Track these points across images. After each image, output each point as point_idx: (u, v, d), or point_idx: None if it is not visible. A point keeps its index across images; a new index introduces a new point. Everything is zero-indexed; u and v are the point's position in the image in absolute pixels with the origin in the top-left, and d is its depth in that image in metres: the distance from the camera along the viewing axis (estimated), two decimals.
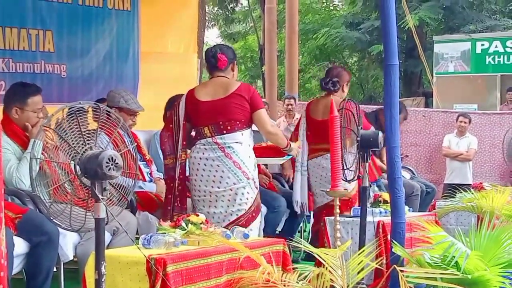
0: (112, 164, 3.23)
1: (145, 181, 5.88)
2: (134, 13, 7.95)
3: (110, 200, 3.44)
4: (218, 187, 5.27)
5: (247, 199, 5.31)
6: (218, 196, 5.28)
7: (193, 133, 5.47)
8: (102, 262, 3.30)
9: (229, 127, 5.27)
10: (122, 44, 7.88)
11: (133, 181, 3.60)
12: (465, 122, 11.02)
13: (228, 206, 5.28)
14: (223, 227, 4.96)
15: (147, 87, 7.97)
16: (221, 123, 5.27)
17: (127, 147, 3.54)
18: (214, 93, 5.33)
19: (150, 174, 6.01)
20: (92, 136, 3.37)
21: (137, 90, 7.87)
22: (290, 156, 6.23)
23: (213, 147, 5.27)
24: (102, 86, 7.50)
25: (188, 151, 5.45)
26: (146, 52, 8.12)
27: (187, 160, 5.43)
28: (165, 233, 4.04)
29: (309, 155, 6.66)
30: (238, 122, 5.28)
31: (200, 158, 5.29)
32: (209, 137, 5.30)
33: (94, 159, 3.23)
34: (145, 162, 6.01)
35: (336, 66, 6.90)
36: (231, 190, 5.26)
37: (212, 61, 5.37)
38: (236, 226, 4.70)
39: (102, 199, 3.26)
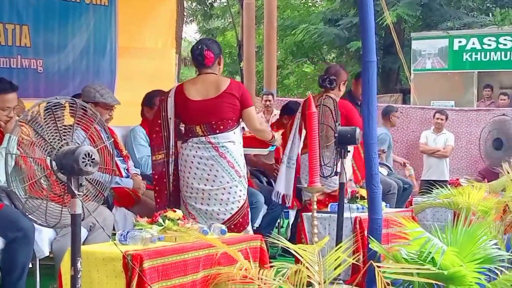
0: (88, 160, 3.21)
1: (122, 176, 5.86)
2: (112, 8, 7.91)
3: (87, 196, 3.43)
4: (212, 186, 5.30)
5: (240, 196, 5.36)
6: (211, 194, 5.31)
7: (181, 128, 5.49)
8: (78, 258, 3.28)
9: (221, 127, 5.30)
10: (100, 39, 7.84)
11: (110, 176, 3.58)
12: (441, 119, 11.09)
13: (221, 204, 5.32)
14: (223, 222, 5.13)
15: (124, 83, 7.93)
16: (213, 122, 5.29)
17: (104, 143, 3.52)
18: (205, 92, 5.33)
19: (127, 170, 5.98)
20: (69, 131, 3.36)
21: (114, 85, 7.84)
22: (274, 147, 6.27)
23: (207, 146, 5.29)
24: (79, 81, 7.46)
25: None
26: (124, 47, 8.09)
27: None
28: (142, 229, 4.03)
29: (302, 149, 6.67)
30: (230, 121, 5.32)
31: (194, 156, 5.30)
32: (202, 136, 5.32)
33: (71, 154, 3.21)
34: (122, 158, 5.99)
35: (335, 64, 6.96)
36: (224, 189, 5.30)
37: (199, 59, 5.36)
38: (213, 222, 4.70)
39: (78, 194, 3.24)
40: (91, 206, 3.47)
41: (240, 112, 5.35)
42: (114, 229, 5.24)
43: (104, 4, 7.84)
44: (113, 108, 5.91)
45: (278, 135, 5.91)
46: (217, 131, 5.29)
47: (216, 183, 5.29)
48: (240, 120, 5.42)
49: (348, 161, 6.17)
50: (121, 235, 3.95)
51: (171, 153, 5.39)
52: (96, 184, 3.49)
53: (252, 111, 5.42)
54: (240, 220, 5.36)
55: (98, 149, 3.37)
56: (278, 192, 6.27)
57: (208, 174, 5.28)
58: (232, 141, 5.32)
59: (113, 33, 7.93)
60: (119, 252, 3.65)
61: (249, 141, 6.14)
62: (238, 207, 5.35)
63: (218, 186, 5.29)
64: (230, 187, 5.30)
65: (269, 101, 11.41)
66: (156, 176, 5.43)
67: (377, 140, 9.53)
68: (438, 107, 12.62)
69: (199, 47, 5.36)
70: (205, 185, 5.30)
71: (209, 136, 5.29)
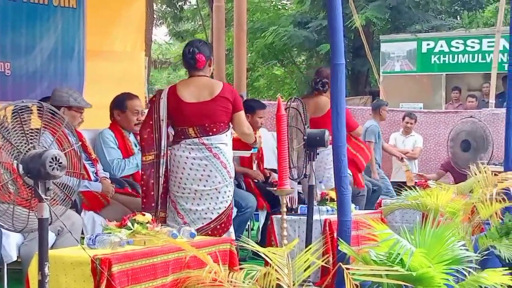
0: (55, 164, 3.19)
1: (91, 180, 5.82)
2: (80, 10, 7.86)
3: (54, 200, 3.40)
4: (204, 186, 5.37)
5: (228, 196, 5.47)
6: (202, 194, 5.39)
7: (171, 131, 5.55)
8: (45, 263, 3.26)
9: (214, 129, 5.39)
10: (68, 42, 7.78)
11: (78, 180, 3.55)
12: (411, 123, 11.20)
13: (210, 204, 5.40)
14: (205, 224, 5.31)
15: (93, 86, 7.87)
16: (207, 125, 5.38)
17: (72, 146, 3.50)
18: (199, 95, 5.40)
19: (96, 173, 5.95)
20: (36, 135, 3.33)
21: (83, 89, 7.78)
22: (256, 149, 6.34)
23: (200, 147, 5.37)
24: (47, 84, 7.40)
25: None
26: (92, 50, 8.04)
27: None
28: (110, 233, 4.00)
29: None
30: (222, 124, 5.42)
31: (187, 157, 5.36)
32: (195, 137, 5.40)
33: (37, 158, 3.19)
34: (90, 162, 5.94)
35: (325, 68, 7.14)
36: (216, 189, 5.39)
37: (191, 62, 5.43)
38: (183, 226, 4.69)
39: (45, 199, 3.22)
40: (59, 210, 3.45)
41: (232, 115, 5.44)
42: (82, 233, 5.20)
43: (72, 6, 7.79)
44: (83, 111, 5.91)
45: (259, 137, 5.99)
46: (210, 133, 5.38)
47: (209, 183, 5.37)
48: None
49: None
50: (90, 239, 3.93)
51: (162, 154, 5.42)
52: (64, 188, 3.47)
53: (242, 115, 5.54)
54: (225, 219, 5.45)
55: (66, 153, 3.35)
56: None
57: (202, 175, 5.36)
58: (224, 143, 5.42)
59: (81, 35, 7.88)
60: (87, 256, 3.63)
61: (232, 143, 6.18)
62: (225, 206, 5.44)
63: (211, 186, 5.38)
64: (222, 187, 5.40)
65: None
66: (144, 177, 5.46)
67: (366, 131, 9.76)
68: (407, 109, 12.71)
69: (191, 50, 5.42)
70: (198, 185, 5.38)
71: (202, 138, 5.37)
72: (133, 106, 6.41)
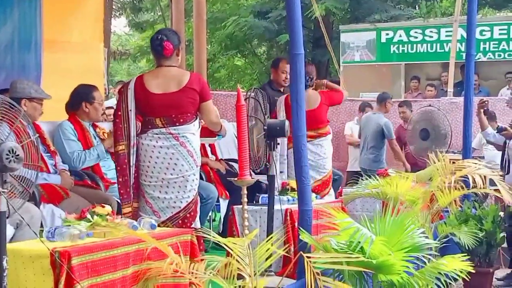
0: (12, 156, 3.16)
1: (50, 173, 5.77)
2: (37, 0, 7.75)
3: (12, 192, 3.36)
4: (171, 174, 5.41)
5: (196, 185, 5.53)
6: (170, 182, 5.43)
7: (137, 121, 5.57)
8: (3, 257, 3.23)
9: (181, 120, 5.41)
10: (25, 33, 7.66)
11: (36, 172, 3.52)
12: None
13: (178, 192, 5.44)
14: (175, 213, 5.36)
15: (51, 77, 7.77)
16: (173, 116, 5.41)
17: (30, 138, 3.46)
18: (166, 86, 5.43)
19: (55, 165, 5.89)
20: None
21: (40, 80, 7.68)
22: (221, 137, 6.37)
23: (167, 136, 5.41)
24: (4, 76, 7.29)
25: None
26: (50, 41, 7.94)
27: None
28: (70, 226, 3.97)
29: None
30: (189, 114, 5.44)
31: (154, 146, 5.41)
32: (162, 127, 5.43)
33: None
34: (49, 154, 5.88)
35: (308, 63, 7.38)
36: (183, 177, 5.42)
37: (159, 49, 5.46)
38: (143, 217, 4.67)
39: (2, 192, 3.18)
40: (17, 203, 3.42)
41: (199, 105, 5.45)
42: (42, 226, 5.14)
43: None
44: (43, 103, 5.88)
45: (224, 126, 6.01)
46: (177, 124, 5.41)
47: (176, 171, 5.40)
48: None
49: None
50: (49, 232, 3.89)
51: (132, 144, 5.46)
52: (21, 181, 3.43)
53: (210, 104, 5.56)
54: (193, 208, 5.50)
55: (23, 145, 3.31)
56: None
57: (169, 163, 5.40)
58: (192, 132, 5.45)
59: (38, 26, 7.77)
60: (46, 249, 3.59)
61: None
62: (193, 195, 5.49)
63: (178, 174, 5.41)
64: (189, 175, 5.42)
65: None
66: (118, 168, 5.49)
67: (386, 127, 10.11)
68: (367, 98, 12.78)
69: (159, 37, 5.46)
70: (165, 173, 5.43)
71: (169, 128, 5.41)
72: (99, 97, 6.48)
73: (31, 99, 5.74)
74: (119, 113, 5.48)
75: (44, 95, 5.89)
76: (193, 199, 5.49)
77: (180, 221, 5.40)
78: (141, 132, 5.49)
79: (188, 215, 5.45)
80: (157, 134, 5.41)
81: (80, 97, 6.41)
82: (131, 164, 5.46)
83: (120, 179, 5.47)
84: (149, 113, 5.44)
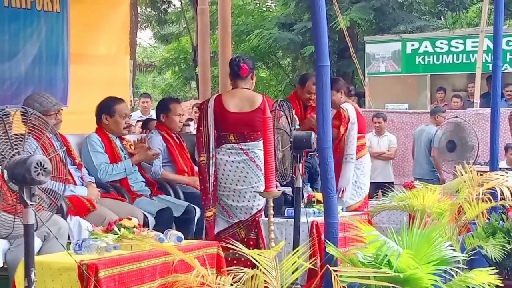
0: (40, 169, 3.18)
1: (76, 185, 5.79)
2: (64, 14, 7.82)
3: (40, 205, 3.38)
4: (242, 186, 6.05)
5: None
6: (241, 193, 6.06)
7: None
8: (31, 269, 3.25)
9: (252, 137, 6.05)
10: (51, 46, 7.73)
11: (63, 185, 3.54)
12: (379, 122, 11.33)
13: (249, 201, 6.06)
14: (247, 218, 6.07)
15: (77, 90, 7.84)
16: (246, 133, 6.06)
17: (57, 151, 3.48)
18: (242, 106, 6.08)
19: (81, 178, 5.91)
20: (20, 140, 3.31)
21: (67, 93, 7.75)
22: None
23: (238, 151, 6.06)
24: (32, 89, 7.32)
25: None
26: (77, 54, 8.00)
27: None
28: (97, 238, 3.99)
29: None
30: (259, 132, 5.86)
31: (227, 160, 6.06)
32: (234, 143, 6.05)
33: (22, 164, 3.17)
34: (75, 166, 5.91)
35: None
36: (253, 188, 6.01)
37: (235, 69, 6.10)
38: (169, 230, 4.68)
39: (31, 204, 3.20)
40: (45, 215, 3.43)
41: None
42: (69, 239, 5.17)
43: (56, 10, 7.75)
44: (59, 112, 5.80)
45: None
46: (248, 140, 6.05)
47: (246, 183, 6.04)
48: None
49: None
50: (76, 244, 3.91)
51: (211, 156, 6.06)
52: (49, 193, 3.45)
53: None
54: (261, 214, 6.08)
55: (51, 158, 3.33)
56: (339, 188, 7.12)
57: (239, 176, 6.05)
58: (260, 148, 5.89)
59: (65, 40, 7.83)
60: (74, 262, 3.61)
61: None
62: (263, 203, 6.03)
63: (247, 186, 6.04)
64: (258, 187, 5.94)
65: None
66: (200, 177, 6.13)
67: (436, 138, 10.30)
68: (393, 110, 12.75)
69: (237, 59, 6.17)
70: (236, 185, 6.06)
71: (241, 143, 6.05)
72: (121, 110, 6.42)
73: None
74: (200, 128, 6.11)
75: (49, 106, 5.67)
76: (262, 207, 6.07)
77: (249, 224, 6.06)
78: (215, 146, 6.08)
79: (257, 219, 6.05)
80: (229, 149, 6.05)
81: (101, 109, 6.44)
82: (210, 173, 6.04)
83: (202, 187, 6.08)
84: (225, 129, 6.07)
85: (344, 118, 7.44)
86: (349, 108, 7.52)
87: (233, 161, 6.03)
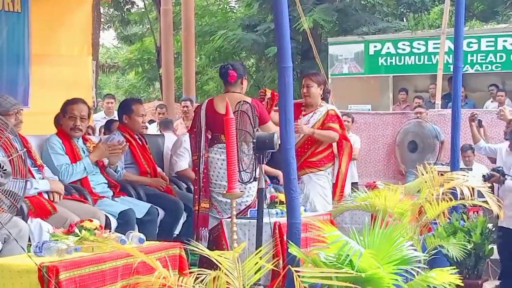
0: (0, 171, 3.14)
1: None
2: (25, 14, 7.75)
3: (0, 207, 3.35)
4: None
5: (254, 192, 6.22)
6: None
7: (208, 135, 6.55)
8: None
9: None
10: (13, 47, 7.66)
11: (24, 186, 3.50)
12: (348, 121, 11.29)
13: (238, 198, 5.98)
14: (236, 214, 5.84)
15: (39, 91, 7.77)
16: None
17: (18, 152, 3.45)
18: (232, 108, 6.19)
19: (42, 179, 5.85)
20: None
21: (29, 94, 7.68)
22: None
23: None
24: None
25: None
26: (38, 54, 7.93)
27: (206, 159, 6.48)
28: (57, 240, 3.95)
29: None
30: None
31: (218, 159, 6.43)
32: (225, 142, 5.74)
33: None
34: (36, 168, 5.85)
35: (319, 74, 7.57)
36: (242, 185, 5.92)
37: (224, 76, 6.50)
38: (131, 231, 4.66)
39: None
40: (5, 217, 3.40)
41: (259, 126, 6.25)
42: (30, 241, 5.11)
43: (17, 11, 7.67)
44: (19, 112, 5.73)
45: None
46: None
47: None
48: None
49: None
50: (36, 246, 3.87)
51: (201, 155, 6.46)
52: (9, 195, 3.41)
53: (270, 125, 6.44)
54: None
55: (11, 159, 3.30)
56: None
57: None
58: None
59: (26, 40, 7.76)
60: (34, 264, 3.58)
61: None
62: (251, 200, 6.31)
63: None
64: (247, 184, 5.88)
65: (187, 107, 11.38)
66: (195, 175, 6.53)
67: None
68: (355, 111, 12.82)
69: (226, 66, 6.55)
70: (226, 182, 5.84)
71: None
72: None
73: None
74: (194, 129, 6.54)
75: (8, 106, 5.58)
76: (250, 204, 6.31)
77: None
78: (209, 145, 6.48)
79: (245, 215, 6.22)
80: (221, 148, 6.33)
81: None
82: (200, 171, 6.43)
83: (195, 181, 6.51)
84: (217, 130, 6.39)
85: (340, 119, 7.52)
86: (336, 109, 7.57)
87: (223, 160, 6.13)
